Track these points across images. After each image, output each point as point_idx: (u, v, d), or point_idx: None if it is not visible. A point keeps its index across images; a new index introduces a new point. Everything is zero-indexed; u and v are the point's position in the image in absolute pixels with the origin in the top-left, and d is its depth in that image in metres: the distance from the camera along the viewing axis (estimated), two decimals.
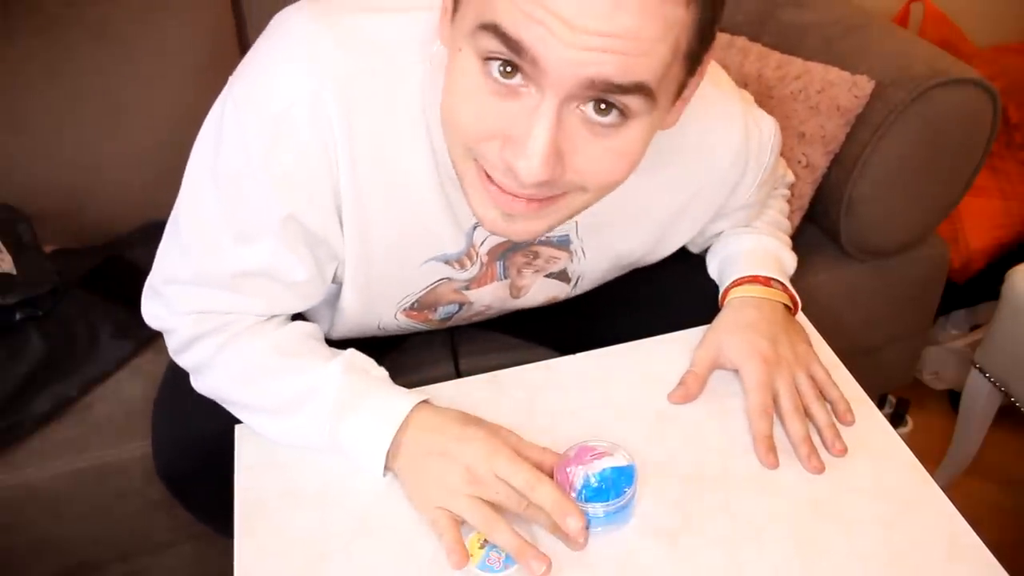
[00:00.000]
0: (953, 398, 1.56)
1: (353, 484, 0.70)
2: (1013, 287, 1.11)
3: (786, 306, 0.82)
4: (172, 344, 0.78)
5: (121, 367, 1.09)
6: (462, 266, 0.76)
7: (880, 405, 1.51)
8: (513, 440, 0.68)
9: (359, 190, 0.67)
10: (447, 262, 0.75)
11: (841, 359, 0.80)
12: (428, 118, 0.66)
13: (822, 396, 0.75)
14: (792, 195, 1.17)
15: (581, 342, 0.83)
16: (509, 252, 0.77)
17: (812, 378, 0.76)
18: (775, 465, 0.70)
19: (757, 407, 0.73)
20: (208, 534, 0.97)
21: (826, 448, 0.71)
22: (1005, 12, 1.79)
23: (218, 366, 0.74)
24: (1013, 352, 1.14)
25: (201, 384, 0.78)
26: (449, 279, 0.78)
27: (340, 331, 0.83)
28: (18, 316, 1.09)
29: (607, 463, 0.65)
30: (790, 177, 0.97)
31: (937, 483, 0.68)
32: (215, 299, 0.72)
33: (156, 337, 1.13)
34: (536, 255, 0.79)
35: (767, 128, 0.80)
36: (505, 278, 0.80)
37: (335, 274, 0.75)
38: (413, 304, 0.80)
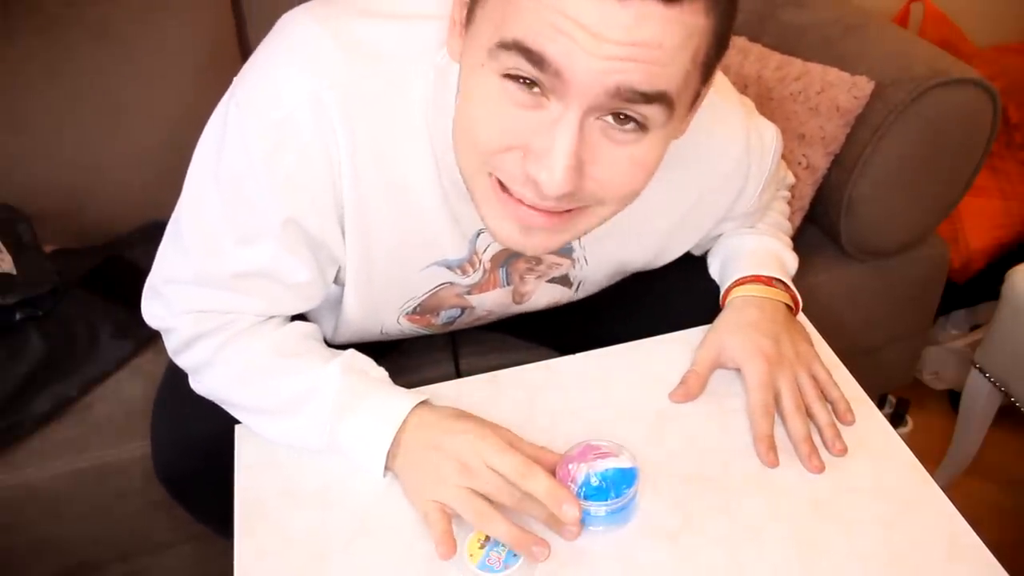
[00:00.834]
0: (953, 398, 1.56)
1: (353, 484, 0.70)
2: (1013, 287, 1.11)
3: (788, 306, 0.82)
4: (171, 344, 0.78)
5: (121, 367, 1.09)
6: (464, 272, 0.76)
7: (880, 405, 1.51)
8: (508, 436, 0.68)
9: (361, 194, 0.67)
10: (449, 267, 0.75)
11: (841, 359, 0.80)
12: (431, 126, 0.66)
13: (823, 396, 0.75)
14: (793, 196, 1.17)
15: (581, 342, 0.83)
16: (512, 258, 0.77)
17: (814, 378, 0.76)
18: (775, 464, 0.70)
19: (759, 406, 0.73)
20: (208, 534, 0.97)
21: (826, 448, 0.71)
22: (1005, 12, 1.79)
23: (217, 366, 0.74)
24: (1013, 352, 1.14)
25: (200, 385, 0.78)
26: (451, 283, 0.78)
27: (343, 336, 0.83)
28: (18, 316, 1.09)
29: (611, 463, 0.65)
30: (790, 179, 0.97)
31: (937, 483, 0.68)
32: (215, 299, 0.72)
33: (156, 337, 1.12)
34: (539, 261, 0.79)
35: (769, 136, 0.80)
36: (508, 284, 0.80)
37: (337, 277, 0.75)
38: (415, 308, 0.80)
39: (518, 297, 0.83)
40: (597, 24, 0.49)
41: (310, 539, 0.66)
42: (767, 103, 1.19)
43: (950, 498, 0.67)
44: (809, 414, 0.73)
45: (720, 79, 0.78)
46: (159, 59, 1.24)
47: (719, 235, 0.89)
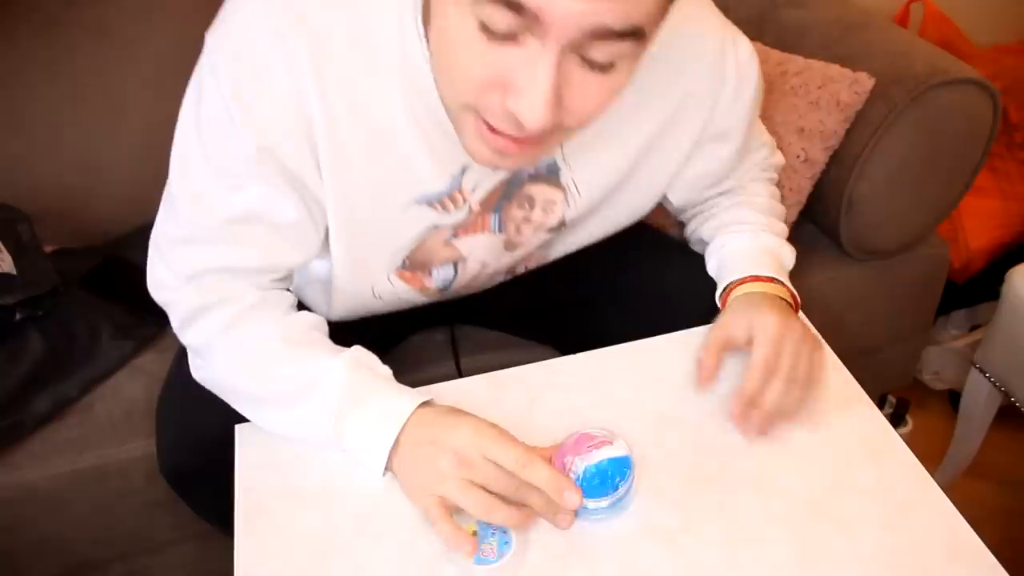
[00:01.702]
0: (953, 398, 1.56)
1: (354, 484, 0.70)
2: (1013, 287, 1.11)
3: (788, 303, 0.82)
4: (175, 319, 0.77)
5: (121, 367, 1.09)
6: (446, 208, 0.76)
7: (880, 405, 1.51)
8: (504, 431, 0.68)
9: (332, 128, 0.68)
10: (431, 204, 0.75)
11: (841, 359, 0.80)
12: (405, 58, 0.67)
13: (808, 384, 0.74)
14: (790, 189, 1.17)
15: (581, 342, 0.83)
16: (503, 202, 0.77)
17: (811, 363, 0.75)
18: (744, 428, 0.71)
19: (761, 360, 0.72)
20: (208, 534, 0.97)
21: (751, 421, 0.71)
22: (1005, 12, 1.79)
23: (221, 348, 0.74)
24: (1013, 352, 1.14)
25: (203, 372, 0.77)
26: (436, 227, 0.77)
27: (338, 308, 0.83)
28: (18, 316, 1.09)
29: (605, 453, 0.65)
30: (778, 158, 0.96)
31: (937, 483, 0.68)
32: (211, 255, 0.73)
33: (156, 337, 1.13)
34: (532, 202, 0.79)
35: (744, 49, 0.81)
36: (501, 232, 0.80)
37: (327, 237, 0.76)
38: (405, 263, 0.80)
39: (512, 247, 0.83)
40: None
41: (311, 539, 0.66)
42: (767, 96, 1.18)
43: (950, 498, 0.67)
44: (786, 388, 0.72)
45: None
46: (159, 59, 1.24)
47: (705, 201, 0.90)
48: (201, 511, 0.92)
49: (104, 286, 1.18)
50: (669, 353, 0.80)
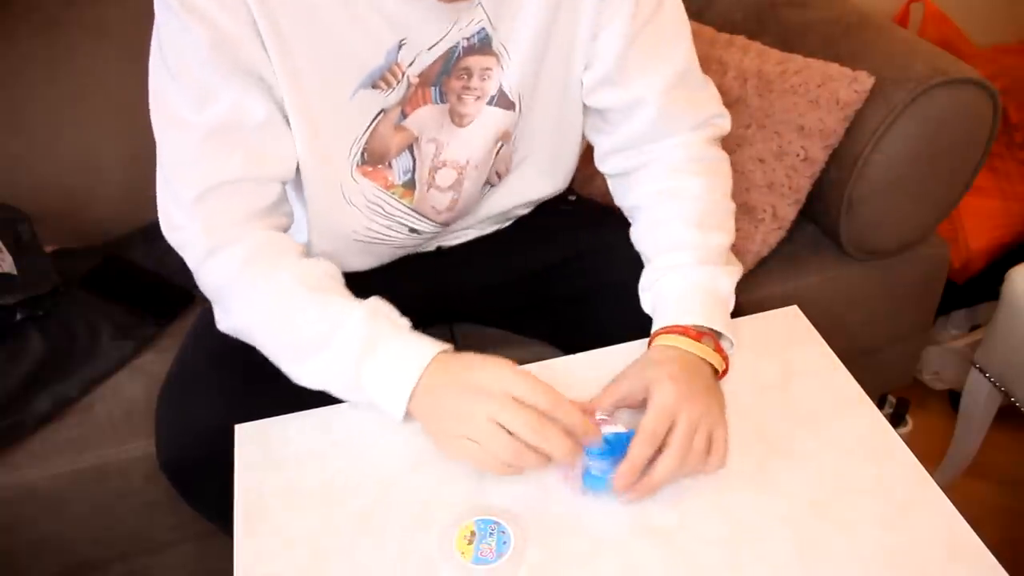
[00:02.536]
0: (953, 398, 1.56)
1: (353, 484, 0.70)
2: (1013, 287, 1.11)
3: (713, 367, 0.75)
4: (191, 259, 0.78)
5: (121, 367, 1.09)
6: (388, 84, 0.78)
7: (880, 405, 1.51)
8: (531, 374, 0.68)
9: (271, 14, 0.71)
10: (375, 85, 0.77)
11: (841, 359, 0.80)
12: None
13: (705, 458, 0.69)
14: (790, 187, 1.17)
15: (581, 340, 0.83)
16: (442, 76, 0.80)
17: (709, 438, 0.69)
18: (627, 498, 0.67)
19: (649, 429, 0.67)
20: (208, 534, 0.97)
21: (640, 489, 0.66)
22: (1005, 12, 1.79)
23: (239, 292, 0.76)
24: (1013, 352, 1.14)
25: (225, 322, 0.79)
26: (384, 111, 0.79)
27: (315, 221, 0.85)
28: (18, 316, 1.09)
29: (609, 429, 0.68)
30: (721, 113, 0.90)
31: (937, 483, 0.68)
32: (204, 172, 0.75)
33: (156, 337, 1.13)
34: (469, 73, 0.81)
35: None
36: (442, 102, 0.82)
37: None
38: (364, 156, 0.82)
39: (458, 119, 0.84)
40: None
41: (310, 539, 0.66)
42: (767, 95, 1.19)
43: (950, 498, 0.67)
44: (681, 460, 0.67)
45: None
46: None
47: (643, 152, 0.87)
48: (200, 508, 0.92)
49: (104, 286, 1.18)
50: None
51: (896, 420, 1.49)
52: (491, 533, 0.64)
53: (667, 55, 0.84)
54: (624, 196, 0.92)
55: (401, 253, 0.96)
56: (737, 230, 0.87)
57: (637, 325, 0.82)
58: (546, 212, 1.02)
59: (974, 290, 1.55)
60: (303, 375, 0.74)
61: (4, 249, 1.12)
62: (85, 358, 1.08)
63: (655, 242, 0.85)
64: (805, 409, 0.75)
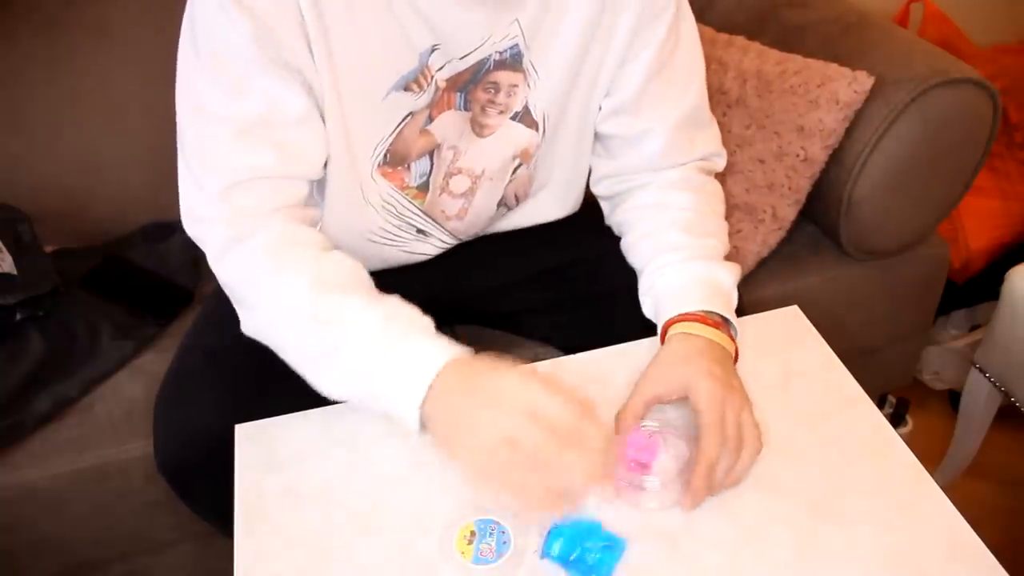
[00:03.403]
0: (953, 398, 1.56)
1: (354, 484, 0.70)
2: (1013, 287, 1.11)
3: (723, 349, 0.75)
4: (210, 252, 0.76)
5: (121, 367, 1.09)
6: (420, 88, 0.78)
7: (880, 405, 1.51)
8: (554, 381, 0.64)
9: (319, 9, 0.70)
10: (407, 88, 0.77)
11: (841, 359, 0.80)
12: None
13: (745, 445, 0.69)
14: (790, 187, 1.17)
15: (582, 341, 0.83)
16: (470, 85, 0.80)
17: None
18: (691, 507, 0.66)
19: (715, 424, 0.67)
20: (208, 534, 0.97)
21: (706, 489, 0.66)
22: (1005, 12, 1.79)
23: (263, 289, 0.73)
24: (1013, 352, 1.14)
25: (249, 324, 0.76)
26: (412, 113, 0.79)
27: (331, 218, 0.84)
28: (18, 316, 1.09)
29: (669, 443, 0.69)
30: (719, 153, 0.91)
31: (937, 483, 0.68)
32: (235, 166, 0.73)
33: (156, 337, 1.13)
34: (496, 88, 0.81)
35: None
36: (466, 110, 0.82)
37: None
38: (387, 157, 0.82)
39: (479, 128, 0.84)
40: None
41: (310, 539, 0.66)
42: (767, 96, 1.19)
43: (950, 498, 0.67)
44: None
45: None
46: (159, 59, 1.24)
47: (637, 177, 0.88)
48: (198, 509, 0.92)
49: (104, 286, 1.18)
50: None
51: (896, 420, 1.49)
52: (491, 533, 0.64)
53: (683, 89, 0.86)
54: (612, 212, 0.93)
55: (412, 260, 0.95)
56: (737, 230, 0.87)
57: (643, 328, 0.82)
58: None
59: (974, 290, 1.55)
60: (324, 385, 0.71)
61: (4, 249, 1.12)
62: (85, 358, 1.08)
63: (647, 249, 0.85)
64: (805, 409, 0.75)
